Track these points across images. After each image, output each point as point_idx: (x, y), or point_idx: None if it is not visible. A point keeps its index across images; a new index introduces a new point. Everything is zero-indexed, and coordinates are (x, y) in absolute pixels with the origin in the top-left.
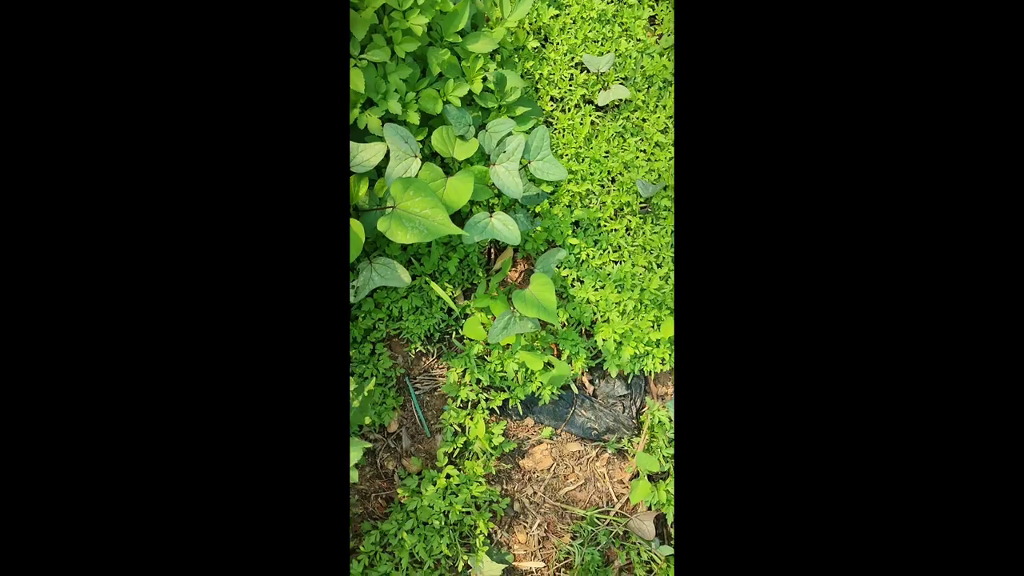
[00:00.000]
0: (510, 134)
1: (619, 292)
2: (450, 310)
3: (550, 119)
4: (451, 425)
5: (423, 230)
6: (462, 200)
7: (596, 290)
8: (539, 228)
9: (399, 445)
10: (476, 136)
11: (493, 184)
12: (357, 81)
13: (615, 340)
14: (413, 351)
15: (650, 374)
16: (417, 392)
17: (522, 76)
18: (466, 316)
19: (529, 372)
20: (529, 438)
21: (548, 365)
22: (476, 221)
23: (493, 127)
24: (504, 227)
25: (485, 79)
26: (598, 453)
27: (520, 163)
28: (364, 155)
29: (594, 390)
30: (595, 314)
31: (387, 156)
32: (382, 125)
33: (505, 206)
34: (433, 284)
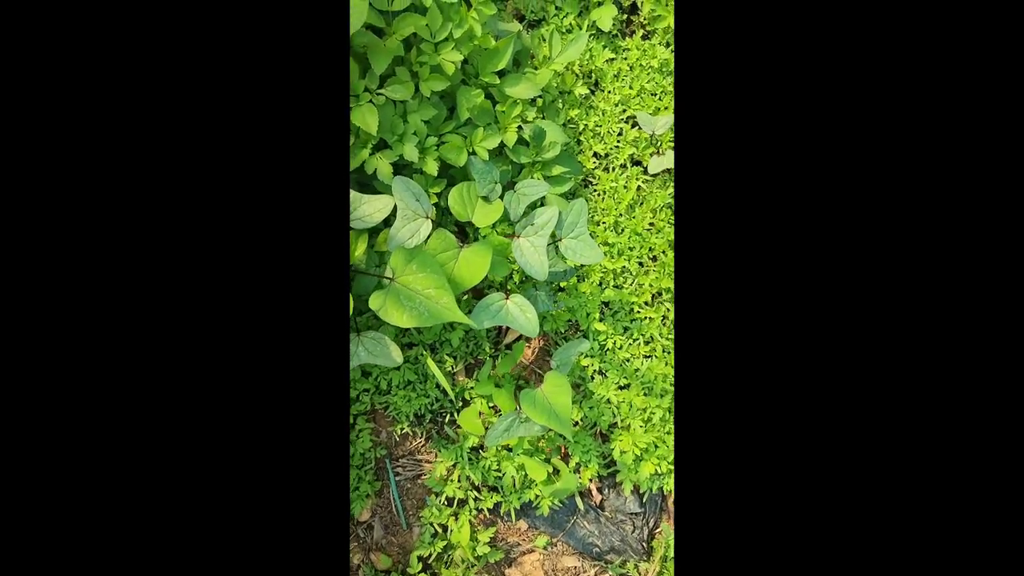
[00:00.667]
0: (543, 201)
1: (646, 395)
2: (445, 391)
3: (590, 178)
4: (431, 524)
5: (423, 313)
6: (475, 278)
7: (620, 389)
8: (562, 309)
9: (369, 535)
10: (502, 197)
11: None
12: (369, 120)
13: (635, 454)
14: (399, 431)
15: (670, 493)
16: (398, 478)
17: (564, 125)
18: (464, 401)
19: (529, 479)
20: (520, 544)
21: (553, 472)
22: (488, 304)
23: (523, 188)
24: (521, 314)
25: (520, 128)
26: (597, 573)
27: (550, 237)
28: (367, 209)
29: (602, 500)
30: (615, 417)
31: (394, 210)
32: (393, 174)
33: (525, 277)
34: (430, 360)
